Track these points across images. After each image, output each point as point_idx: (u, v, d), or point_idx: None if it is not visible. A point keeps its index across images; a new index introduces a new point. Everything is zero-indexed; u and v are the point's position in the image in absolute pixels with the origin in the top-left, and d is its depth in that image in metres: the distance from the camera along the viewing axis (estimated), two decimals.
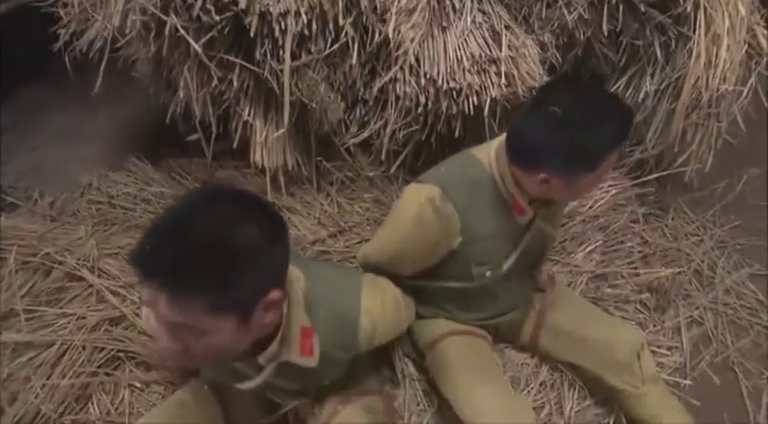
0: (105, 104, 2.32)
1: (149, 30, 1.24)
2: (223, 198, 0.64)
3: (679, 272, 1.66)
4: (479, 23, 1.35)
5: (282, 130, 1.36)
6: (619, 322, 1.40)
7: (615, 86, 1.57)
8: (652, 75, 1.49)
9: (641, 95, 1.53)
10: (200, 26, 1.18)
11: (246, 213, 0.63)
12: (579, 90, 0.91)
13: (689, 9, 1.30)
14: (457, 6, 1.35)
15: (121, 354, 1.40)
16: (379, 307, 0.92)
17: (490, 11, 1.38)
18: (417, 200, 0.98)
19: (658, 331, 1.55)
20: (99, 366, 1.37)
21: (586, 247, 1.71)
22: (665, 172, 1.66)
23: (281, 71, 1.27)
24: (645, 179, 1.71)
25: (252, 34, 1.22)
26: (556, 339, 1.27)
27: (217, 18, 1.17)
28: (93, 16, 1.41)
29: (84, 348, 1.36)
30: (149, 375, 1.38)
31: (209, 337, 0.62)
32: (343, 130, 1.52)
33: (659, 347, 1.48)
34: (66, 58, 1.50)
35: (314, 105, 1.34)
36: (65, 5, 1.46)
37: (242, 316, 0.64)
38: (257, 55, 1.29)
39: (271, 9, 1.19)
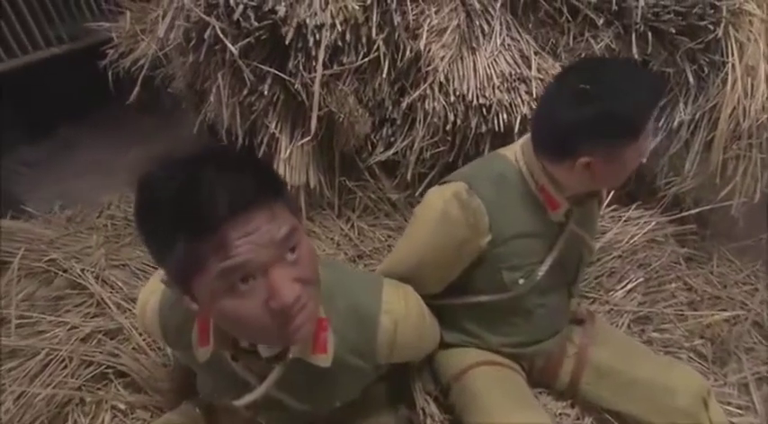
0: (137, 143, 2.41)
1: (189, 40, 1.29)
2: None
3: (735, 321, 1.50)
4: (508, 45, 1.38)
5: (308, 138, 1.34)
6: (676, 362, 1.21)
7: None
8: (685, 104, 1.47)
9: (674, 125, 1.49)
10: (239, 32, 1.23)
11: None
12: (600, 64, 0.87)
13: (720, 34, 1.30)
14: (486, 30, 1.39)
15: (110, 371, 1.27)
16: (402, 306, 0.80)
17: (518, 37, 1.42)
18: (442, 198, 0.90)
19: (722, 386, 1.34)
20: (84, 383, 1.23)
21: (626, 285, 1.57)
22: (707, 207, 1.56)
23: (312, 80, 1.29)
24: (683, 214, 1.60)
25: (287, 42, 1.25)
26: (601, 380, 1.09)
27: (255, 24, 1.22)
28: (141, 36, 1.49)
29: (70, 359, 1.24)
30: (137, 398, 1.23)
31: (302, 242, 0.58)
32: (369, 149, 1.50)
33: (728, 403, 1.27)
34: (110, 75, 1.57)
35: (342, 116, 1.33)
36: (117, 29, 1.56)
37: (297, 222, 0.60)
38: (290, 65, 1.32)
39: (307, 21, 1.24)
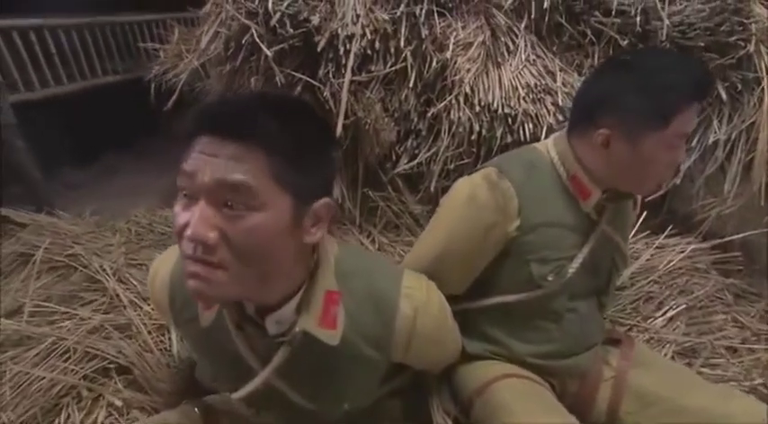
0: (176, 170, 2.53)
1: (228, 49, 1.38)
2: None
3: None
4: (533, 60, 1.40)
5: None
6: (734, 390, 1.06)
7: None
8: (719, 122, 1.42)
9: (709, 143, 1.44)
10: (274, 38, 1.31)
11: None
12: (651, 48, 0.86)
13: (751, 50, 1.29)
14: (511, 47, 1.43)
15: (113, 366, 1.21)
16: (424, 294, 0.74)
17: (543, 55, 1.45)
18: (470, 183, 0.87)
19: None
20: (85, 375, 1.18)
21: (666, 312, 1.43)
22: (751, 233, 1.45)
23: (341, 87, 1.34)
24: (725, 240, 1.50)
25: (318, 50, 1.32)
26: (644, 409, 0.95)
27: (291, 31, 1.30)
28: (185, 54, 1.61)
29: (74, 350, 1.20)
30: (135, 396, 1.16)
31: (256, 217, 0.53)
32: (393, 159, 1.50)
33: None
34: (152, 88, 1.68)
35: (368, 122, 1.36)
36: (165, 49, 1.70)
37: (296, 205, 0.56)
38: (320, 73, 1.38)
39: (339, 31, 1.32)
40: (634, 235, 1.58)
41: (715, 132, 1.43)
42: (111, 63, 2.44)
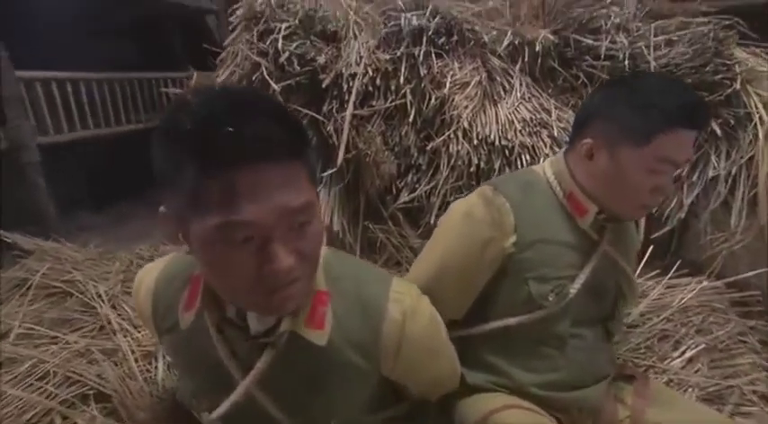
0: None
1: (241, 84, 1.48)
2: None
3: None
4: (529, 98, 1.47)
5: (333, 170, 1.40)
6: None
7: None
8: (718, 157, 1.43)
9: (709, 178, 1.44)
10: (282, 75, 1.40)
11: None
12: (651, 72, 0.90)
13: (737, 87, 1.34)
14: (507, 87, 1.50)
15: (92, 392, 1.17)
16: (413, 299, 0.72)
17: (538, 94, 1.51)
18: (466, 202, 0.88)
19: None
20: (62, 400, 1.13)
21: (684, 352, 1.34)
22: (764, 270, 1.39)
23: (344, 119, 1.41)
24: (738, 277, 1.43)
25: (323, 86, 1.41)
26: None
27: (298, 69, 1.39)
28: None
29: (55, 374, 1.16)
30: None
31: (315, 221, 0.54)
32: (394, 192, 1.53)
33: None
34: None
35: (368, 154, 1.41)
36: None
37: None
38: (324, 109, 1.46)
39: (343, 70, 1.41)
40: (642, 274, 1.53)
41: (714, 167, 1.44)
42: (135, 114, 2.62)
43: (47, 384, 1.13)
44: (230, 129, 0.45)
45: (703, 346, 1.36)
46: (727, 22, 1.41)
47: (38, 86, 2.14)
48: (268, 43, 1.39)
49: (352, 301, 0.66)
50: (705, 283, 1.48)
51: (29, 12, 2.23)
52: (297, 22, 1.42)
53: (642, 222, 0.96)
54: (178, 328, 0.66)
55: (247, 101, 0.50)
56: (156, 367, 1.20)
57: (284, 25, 1.39)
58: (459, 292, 0.88)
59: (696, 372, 1.30)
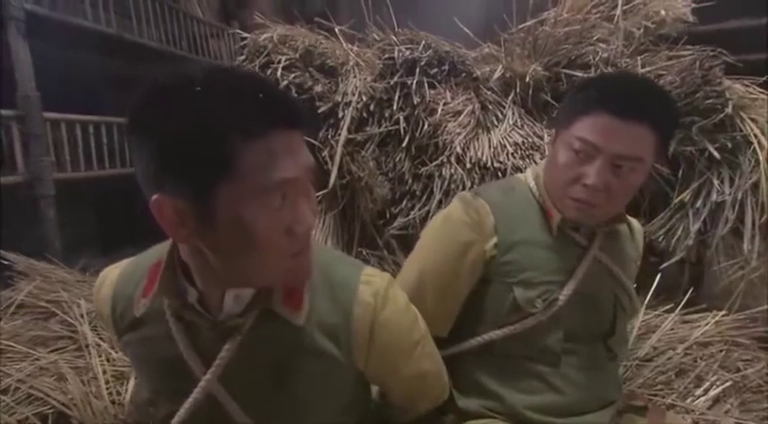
0: None
1: None
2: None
3: None
4: (521, 125, 1.48)
5: (325, 191, 1.40)
6: None
7: (679, 197, 1.46)
8: (721, 182, 1.39)
9: (714, 203, 1.39)
10: None
11: None
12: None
13: (729, 111, 1.34)
14: (500, 117, 1.53)
15: (51, 412, 1.10)
16: (385, 282, 0.69)
17: (531, 123, 1.54)
18: (446, 209, 0.89)
19: None
20: (19, 420, 1.07)
21: (709, 389, 1.21)
22: None
23: (336, 142, 1.44)
24: (758, 310, 1.33)
25: (318, 112, 1.46)
26: None
27: (295, 96, 1.46)
28: None
29: (17, 389, 1.11)
30: None
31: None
32: (388, 217, 1.51)
33: None
34: None
35: (362, 177, 1.42)
36: None
37: None
38: (320, 135, 1.50)
39: (338, 98, 1.47)
40: (656, 307, 1.44)
41: (718, 191, 1.39)
42: None
43: (7, 397, 1.07)
44: (262, 95, 0.48)
45: (729, 383, 1.23)
46: (712, 53, 1.45)
47: (62, 126, 2.28)
48: (268, 73, 1.47)
49: (323, 282, 0.63)
50: (722, 314, 1.37)
51: (60, 61, 2.44)
52: (297, 55, 1.51)
53: (641, 230, 0.93)
54: (136, 325, 0.63)
55: (255, 75, 0.58)
56: (126, 389, 1.14)
57: (284, 58, 1.48)
58: (440, 300, 0.83)
59: (726, 412, 1.16)
